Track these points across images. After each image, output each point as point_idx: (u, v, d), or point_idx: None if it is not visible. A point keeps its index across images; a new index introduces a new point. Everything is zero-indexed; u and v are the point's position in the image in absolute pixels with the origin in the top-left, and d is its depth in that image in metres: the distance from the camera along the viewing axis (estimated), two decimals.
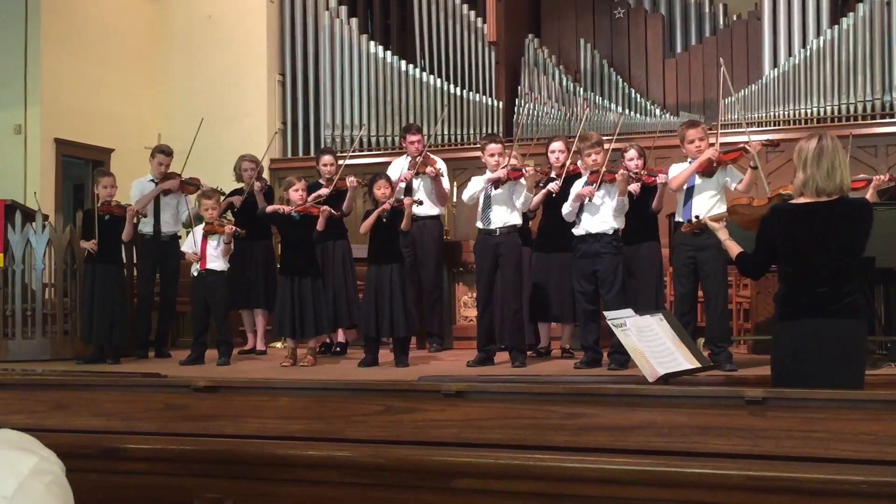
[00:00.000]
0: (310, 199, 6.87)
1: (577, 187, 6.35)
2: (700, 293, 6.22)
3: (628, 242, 6.35)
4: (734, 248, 4.10)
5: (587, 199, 6.17)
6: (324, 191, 7.20)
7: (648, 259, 6.36)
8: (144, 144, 8.32)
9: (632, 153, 6.57)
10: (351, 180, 7.35)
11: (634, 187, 6.25)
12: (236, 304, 7.84)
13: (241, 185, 7.89)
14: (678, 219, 6.08)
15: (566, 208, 6.32)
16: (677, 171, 6.18)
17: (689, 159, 6.17)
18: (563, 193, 6.51)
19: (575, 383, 3.88)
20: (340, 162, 7.91)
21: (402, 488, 2.84)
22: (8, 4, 10.30)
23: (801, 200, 3.70)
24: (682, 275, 6.02)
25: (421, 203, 7.14)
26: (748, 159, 5.90)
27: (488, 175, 6.51)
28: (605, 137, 6.69)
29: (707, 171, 5.98)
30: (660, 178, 6.31)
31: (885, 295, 6.68)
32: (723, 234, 4.29)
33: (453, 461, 2.82)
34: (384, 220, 6.53)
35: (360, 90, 11.33)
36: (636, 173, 6.42)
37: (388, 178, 6.84)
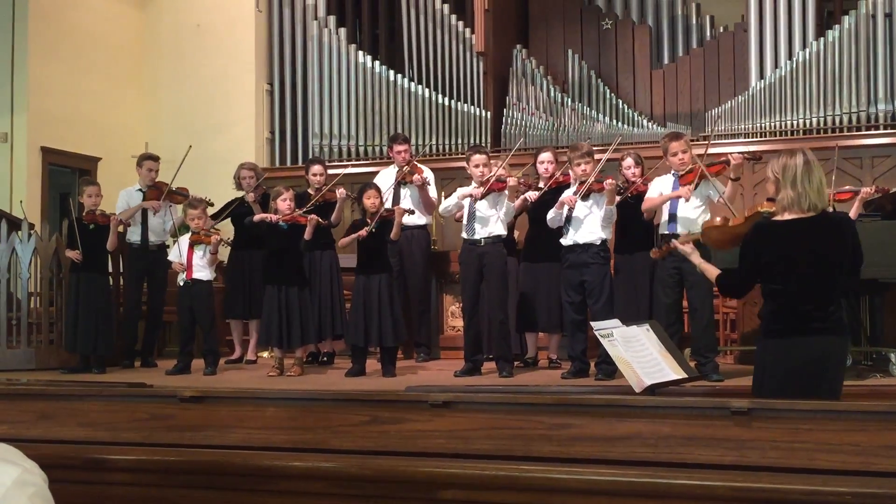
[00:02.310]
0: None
1: (568, 195, 6.37)
2: (686, 303, 6.23)
3: (623, 251, 6.36)
4: (711, 271, 4.06)
5: (568, 207, 6.20)
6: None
7: (642, 268, 6.37)
8: (132, 153, 8.30)
9: (629, 161, 6.59)
10: (340, 191, 7.35)
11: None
12: (233, 313, 7.84)
13: (241, 193, 7.87)
14: (662, 231, 6.10)
15: (550, 213, 6.36)
16: (660, 186, 6.20)
17: (672, 171, 6.20)
18: (551, 203, 6.52)
19: (562, 394, 3.88)
20: (330, 172, 7.92)
21: (388, 499, 2.84)
22: None
23: (786, 217, 3.67)
24: (667, 285, 6.03)
25: (413, 212, 7.14)
26: (730, 171, 5.92)
27: (463, 191, 6.56)
28: (595, 148, 6.73)
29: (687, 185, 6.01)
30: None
31: (869, 306, 6.71)
32: (695, 259, 4.22)
33: (440, 472, 2.82)
34: (373, 230, 6.53)
35: (348, 100, 11.33)
36: (625, 183, 6.45)
37: (377, 188, 6.84)
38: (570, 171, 6.64)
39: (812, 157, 3.68)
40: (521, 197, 6.71)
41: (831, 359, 3.63)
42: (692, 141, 6.93)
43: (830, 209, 5.72)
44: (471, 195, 6.47)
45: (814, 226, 3.62)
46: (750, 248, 3.78)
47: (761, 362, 3.76)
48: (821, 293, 3.62)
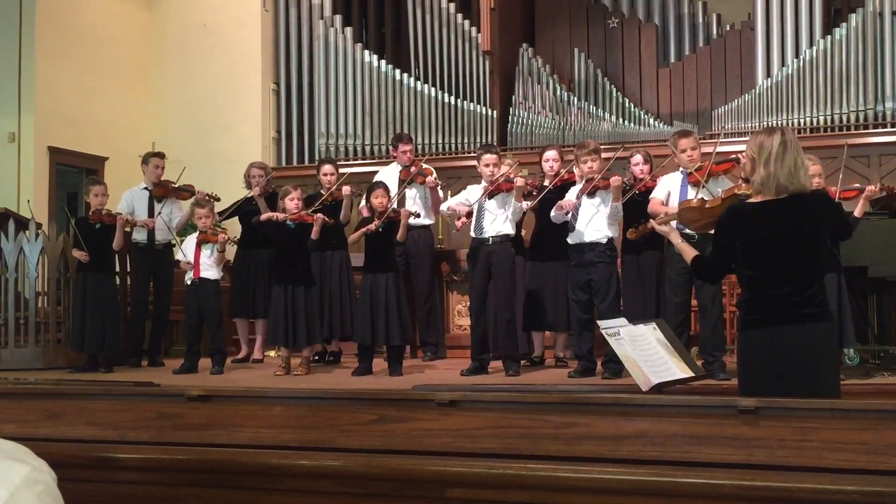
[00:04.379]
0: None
1: (571, 195, 6.37)
2: (694, 302, 6.23)
3: (630, 250, 6.35)
4: (689, 252, 3.87)
5: (566, 211, 6.20)
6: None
7: (650, 267, 6.36)
8: (139, 153, 8.33)
9: (638, 158, 6.58)
10: (346, 189, 7.36)
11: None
12: (240, 311, 7.85)
13: (250, 192, 7.89)
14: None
15: (552, 212, 6.36)
16: (668, 184, 6.19)
17: (680, 169, 6.19)
18: (557, 201, 6.52)
19: (568, 392, 3.88)
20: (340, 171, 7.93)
21: (395, 498, 2.83)
22: (2, 12, 10.30)
23: (760, 199, 3.50)
24: (677, 285, 6.02)
25: (419, 215, 7.14)
26: (741, 170, 5.90)
27: (456, 205, 6.65)
28: (602, 146, 6.73)
29: (695, 183, 6.00)
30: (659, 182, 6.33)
31: (877, 304, 6.70)
32: (675, 238, 4.07)
33: (447, 470, 2.81)
34: (379, 230, 6.53)
35: (354, 99, 11.35)
36: (633, 180, 6.45)
37: (385, 187, 6.83)
38: (574, 169, 6.64)
39: (791, 136, 3.47)
40: (520, 204, 6.71)
41: (817, 348, 3.41)
42: (699, 139, 6.91)
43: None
44: (457, 211, 6.55)
45: (786, 207, 3.42)
46: (722, 231, 3.61)
47: (742, 357, 3.58)
48: (798, 277, 3.41)
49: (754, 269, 3.51)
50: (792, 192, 3.42)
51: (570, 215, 6.26)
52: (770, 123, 9.90)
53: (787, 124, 9.84)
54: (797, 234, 3.44)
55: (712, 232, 3.88)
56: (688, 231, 5.10)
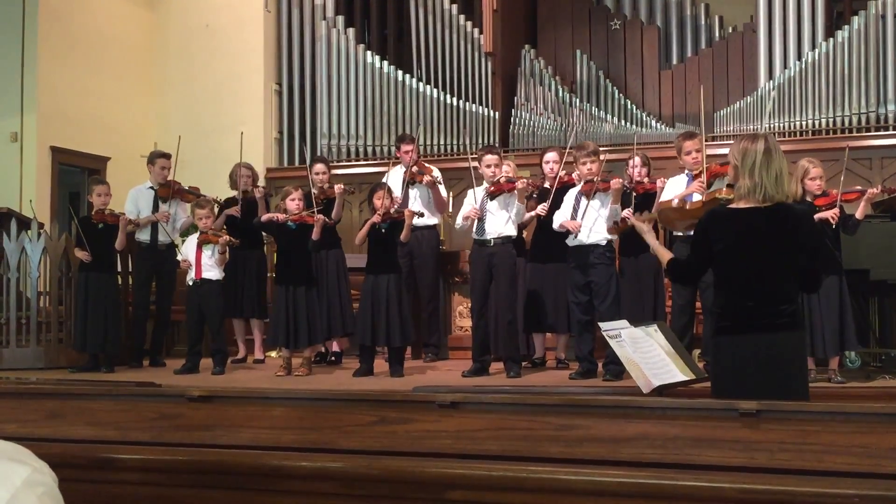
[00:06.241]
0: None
1: (571, 196, 6.38)
2: (698, 304, 6.22)
3: (629, 252, 6.35)
4: (664, 254, 3.89)
5: (570, 232, 6.20)
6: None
7: (648, 268, 6.35)
8: (141, 153, 8.32)
9: (636, 160, 6.58)
10: (339, 187, 7.33)
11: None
12: (229, 312, 7.83)
13: (234, 192, 7.87)
14: (676, 232, 6.09)
15: (555, 224, 6.35)
16: (675, 187, 6.18)
17: (685, 171, 6.19)
18: (557, 202, 6.53)
19: (569, 394, 3.87)
20: (336, 172, 7.92)
21: (395, 500, 2.83)
22: (5, 12, 10.31)
23: (741, 205, 3.51)
24: (680, 285, 6.02)
25: (423, 215, 7.14)
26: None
27: (464, 212, 6.60)
28: (602, 148, 6.72)
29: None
30: (658, 183, 6.32)
31: (879, 307, 6.69)
32: (651, 239, 4.07)
33: (447, 472, 2.81)
34: (382, 230, 6.53)
35: (356, 100, 11.35)
36: (631, 183, 6.45)
37: (387, 188, 6.83)
38: (576, 171, 6.64)
39: (774, 144, 3.48)
40: (533, 213, 6.69)
41: (788, 356, 3.45)
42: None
43: (808, 201, 5.65)
44: (469, 217, 6.50)
45: (768, 216, 3.44)
46: (702, 234, 3.61)
47: (715, 362, 3.61)
48: (772, 287, 3.43)
49: (730, 275, 3.53)
50: (777, 200, 3.44)
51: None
52: (772, 126, 9.91)
53: (789, 126, 9.84)
54: (776, 243, 3.46)
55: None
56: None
